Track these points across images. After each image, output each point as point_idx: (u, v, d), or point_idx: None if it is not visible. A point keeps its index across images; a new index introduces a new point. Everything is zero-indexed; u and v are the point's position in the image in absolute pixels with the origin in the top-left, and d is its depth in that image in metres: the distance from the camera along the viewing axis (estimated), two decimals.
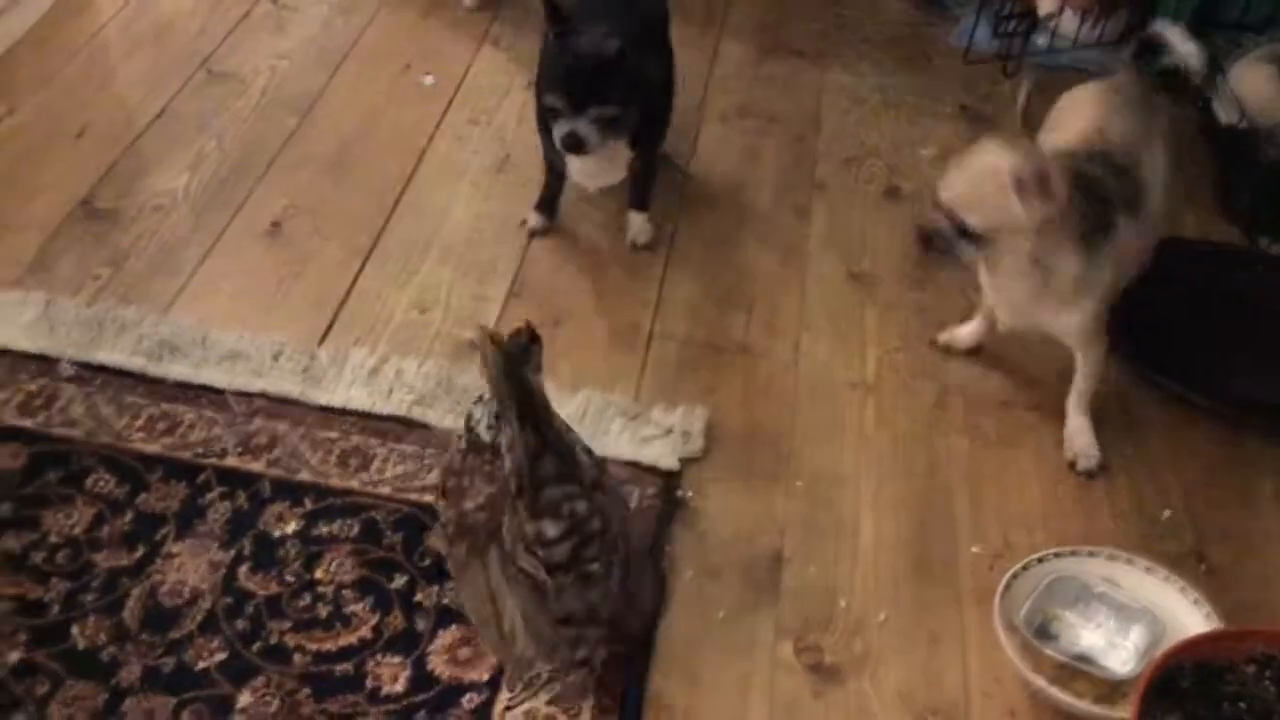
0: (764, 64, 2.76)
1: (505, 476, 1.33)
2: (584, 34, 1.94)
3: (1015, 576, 1.59)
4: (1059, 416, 1.89)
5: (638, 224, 2.22)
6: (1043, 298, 1.74)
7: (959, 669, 1.58)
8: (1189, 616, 1.56)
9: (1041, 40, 2.72)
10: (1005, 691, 1.55)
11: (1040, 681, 1.49)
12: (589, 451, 1.42)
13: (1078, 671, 1.50)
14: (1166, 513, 1.80)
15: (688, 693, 1.53)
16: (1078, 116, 1.86)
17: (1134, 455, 1.88)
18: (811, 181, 2.42)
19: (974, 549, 1.73)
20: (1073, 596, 1.58)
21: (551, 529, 1.33)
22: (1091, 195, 1.68)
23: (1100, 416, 1.89)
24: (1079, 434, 1.85)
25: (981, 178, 1.66)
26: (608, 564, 1.38)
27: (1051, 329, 1.82)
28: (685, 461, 1.80)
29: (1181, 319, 2.04)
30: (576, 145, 1.95)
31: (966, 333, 2.02)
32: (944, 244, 1.71)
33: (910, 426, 1.91)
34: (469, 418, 1.44)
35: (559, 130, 1.95)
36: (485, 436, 1.41)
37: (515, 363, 1.31)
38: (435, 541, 1.62)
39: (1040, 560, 1.62)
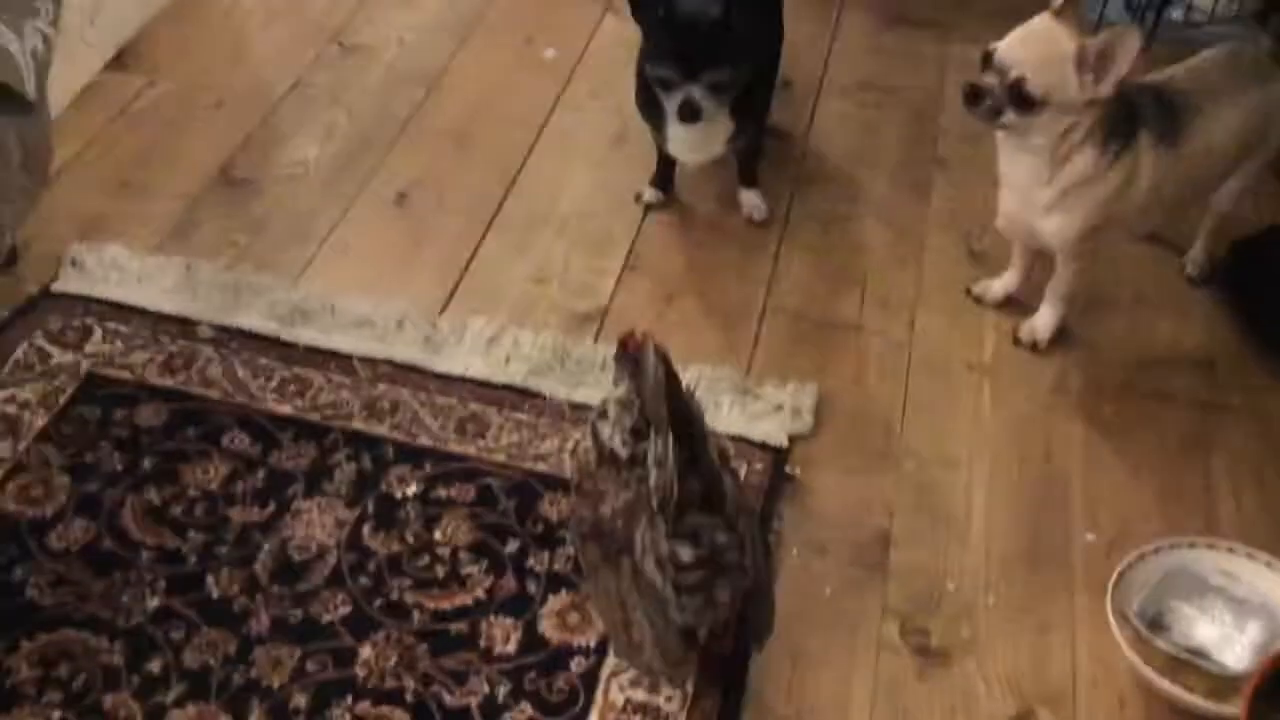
0: (885, 36, 2.73)
1: (647, 490, 1.32)
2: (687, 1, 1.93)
3: (1130, 566, 1.57)
4: (1182, 403, 1.86)
5: (752, 200, 2.23)
6: (1042, 194, 1.80)
7: (1068, 657, 1.57)
8: None
9: (1176, 14, 2.63)
10: (1115, 681, 1.54)
11: (1151, 673, 1.47)
12: (735, 475, 1.43)
13: (1189, 665, 1.48)
14: None
15: (791, 668, 1.55)
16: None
17: (1261, 447, 1.83)
18: (932, 158, 2.39)
19: (1089, 537, 1.71)
20: (1189, 588, 1.56)
21: (687, 554, 1.32)
22: (1122, 104, 1.73)
23: (1224, 404, 1.84)
24: (1043, 310, 1.96)
25: (1048, 42, 1.69)
26: (735, 594, 1.39)
27: (1041, 234, 1.87)
28: (794, 438, 1.82)
29: None
30: (693, 113, 1.95)
31: (1000, 285, 2.05)
32: (992, 104, 1.73)
33: (1027, 409, 1.90)
34: (595, 432, 1.42)
35: (672, 101, 1.95)
36: (622, 452, 1.38)
37: (677, 380, 1.31)
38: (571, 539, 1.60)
39: (1156, 551, 1.60)
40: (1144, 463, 1.81)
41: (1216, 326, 2.02)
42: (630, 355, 1.38)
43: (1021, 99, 1.70)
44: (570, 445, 1.73)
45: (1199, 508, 1.75)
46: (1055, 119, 1.72)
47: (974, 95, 1.75)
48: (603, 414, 1.42)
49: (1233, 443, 1.83)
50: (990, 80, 1.72)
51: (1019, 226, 1.92)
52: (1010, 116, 1.73)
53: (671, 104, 1.96)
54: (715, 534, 1.34)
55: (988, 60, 1.73)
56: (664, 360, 1.29)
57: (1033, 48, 1.70)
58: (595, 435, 1.42)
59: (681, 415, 1.29)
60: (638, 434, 1.37)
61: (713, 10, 1.91)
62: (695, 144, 2.10)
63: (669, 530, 1.32)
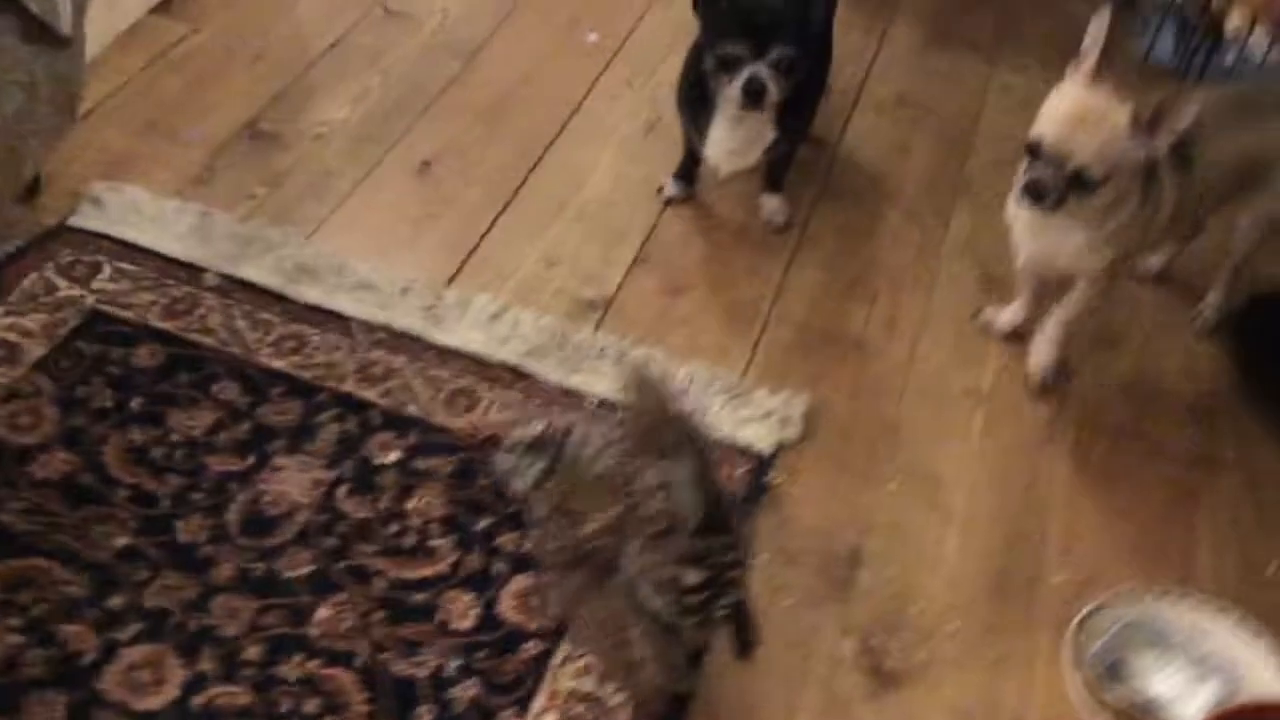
0: (931, 54, 2.71)
1: (640, 514, 1.32)
2: None
3: (1095, 610, 1.56)
4: (1174, 451, 1.84)
5: (773, 205, 2.22)
6: (1079, 242, 1.76)
7: (1020, 695, 1.55)
8: (1272, 677, 1.50)
9: (1227, 59, 2.58)
10: None
11: None
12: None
13: (1140, 718, 1.46)
14: (1274, 565, 1.72)
15: (742, 672, 1.54)
16: None
17: (1249, 504, 1.80)
18: (959, 181, 2.37)
19: (1060, 576, 1.69)
20: (1152, 640, 1.55)
21: (693, 577, 1.32)
22: None
23: (1217, 457, 1.82)
24: (1045, 347, 1.91)
25: (1099, 121, 1.62)
26: (732, 607, 1.39)
27: (1071, 269, 1.83)
28: (780, 446, 1.81)
29: None
30: (758, 92, 1.94)
31: (1007, 317, 2.02)
32: (1056, 195, 1.67)
33: (1017, 442, 1.88)
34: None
35: (739, 79, 1.94)
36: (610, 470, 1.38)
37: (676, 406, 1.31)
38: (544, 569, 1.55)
39: (1123, 597, 1.58)
40: (1127, 508, 1.79)
41: (1220, 378, 2.00)
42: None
43: (1084, 185, 1.64)
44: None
45: (1177, 559, 1.73)
46: (1114, 187, 1.67)
47: (1037, 193, 1.68)
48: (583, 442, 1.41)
49: (1220, 497, 1.80)
50: (1045, 173, 1.66)
51: (1043, 266, 1.89)
52: (1072, 203, 1.67)
53: (738, 82, 1.94)
54: (724, 554, 1.33)
55: (1036, 151, 1.66)
56: (662, 384, 1.30)
57: (1086, 132, 1.62)
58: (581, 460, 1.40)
59: (701, 448, 1.29)
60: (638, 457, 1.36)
61: None
62: (735, 149, 2.09)
63: (675, 555, 1.31)
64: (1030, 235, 1.84)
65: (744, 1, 1.94)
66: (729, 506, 1.35)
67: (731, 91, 1.96)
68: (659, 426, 1.31)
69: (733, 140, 2.07)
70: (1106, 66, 1.65)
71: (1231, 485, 1.83)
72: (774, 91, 1.95)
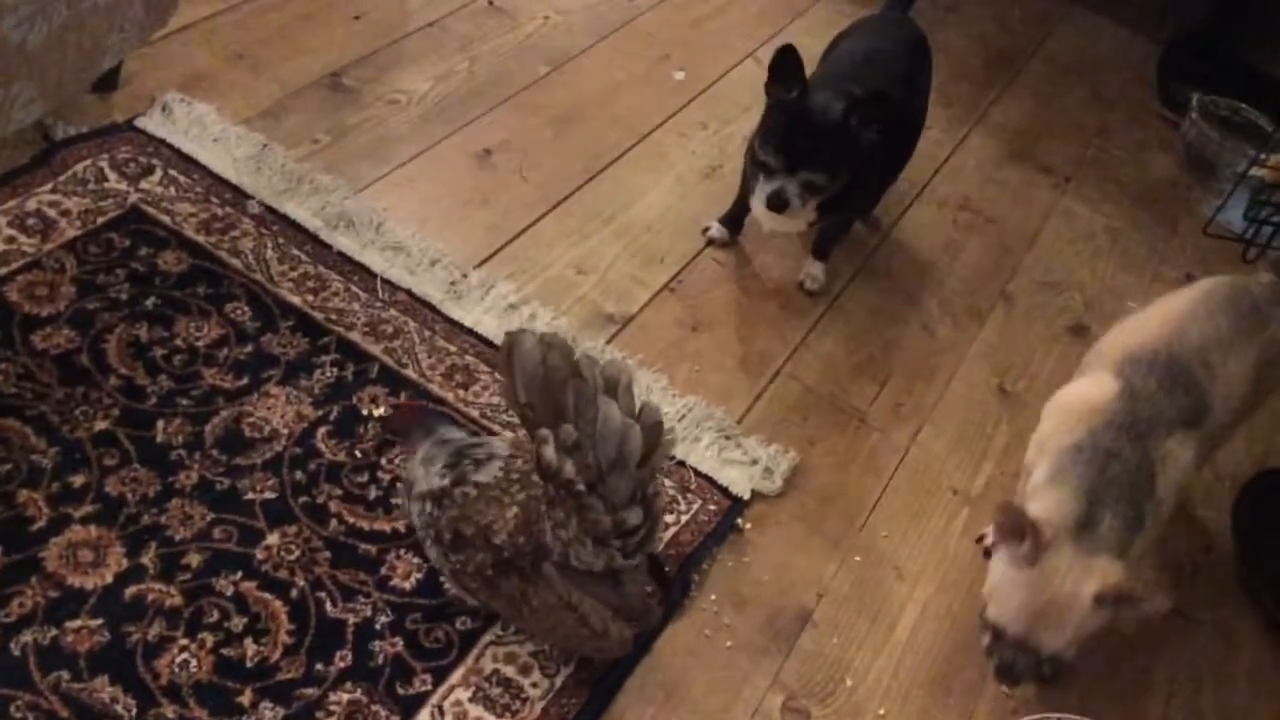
0: (1004, 167, 2.73)
1: (546, 489, 1.33)
2: (815, 94, 1.94)
3: None
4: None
5: (813, 270, 2.23)
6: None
7: None
8: None
9: None
10: None
11: None
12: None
13: None
14: None
15: (664, 700, 1.54)
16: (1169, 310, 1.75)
17: (1213, 667, 1.77)
18: (1000, 290, 2.38)
19: (1004, 689, 1.66)
20: None
21: (636, 516, 1.33)
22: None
23: (1191, 616, 1.79)
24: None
25: (1061, 612, 1.45)
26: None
27: None
28: (757, 495, 1.81)
29: None
30: (780, 205, 1.96)
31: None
32: (1032, 671, 1.50)
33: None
34: (422, 497, 1.43)
35: (765, 187, 1.96)
36: (442, 482, 1.41)
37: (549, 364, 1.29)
38: (457, 594, 1.53)
39: None
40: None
41: (1215, 542, 1.97)
42: (414, 423, 1.47)
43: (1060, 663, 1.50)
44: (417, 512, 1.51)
45: (1125, 699, 1.70)
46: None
47: (1011, 678, 1.52)
48: (409, 485, 1.45)
49: (1185, 653, 1.77)
50: (1017, 659, 1.50)
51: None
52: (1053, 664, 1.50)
53: (763, 190, 1.97)
54: (650, 484, 1.34)
55: (999, 635, 1.51)
56: (542, 345, 1.28)
57: (1050, 625, 1.46)
58: (420, 497, 1.43)
59: (556, 401, 1.28)
60: (451, 466, 1.41)
61: (834, 112, 1.92)
62: (776, 218, 2.10)
63: (607, 505, 1.31)
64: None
65: (791, 117, 1.94)
66: (637, 437, 1.31)
67: (760, 193, 1.98)
68: (558, 389, 1.28)
69: (777, 221, 2.08)
70: (1044, 539, 1.46)
71: (1200, 646, 1.80)
72: (797, 207, 1.96)
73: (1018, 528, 1.47)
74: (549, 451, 1.29)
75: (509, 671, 1.50)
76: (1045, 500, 1.52)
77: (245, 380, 1.73)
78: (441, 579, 1.54)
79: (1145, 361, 1.64)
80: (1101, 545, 1.48)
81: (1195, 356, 1.65)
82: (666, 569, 1.60)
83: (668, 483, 1.76)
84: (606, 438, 1.28)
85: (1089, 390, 1.65)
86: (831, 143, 1.93)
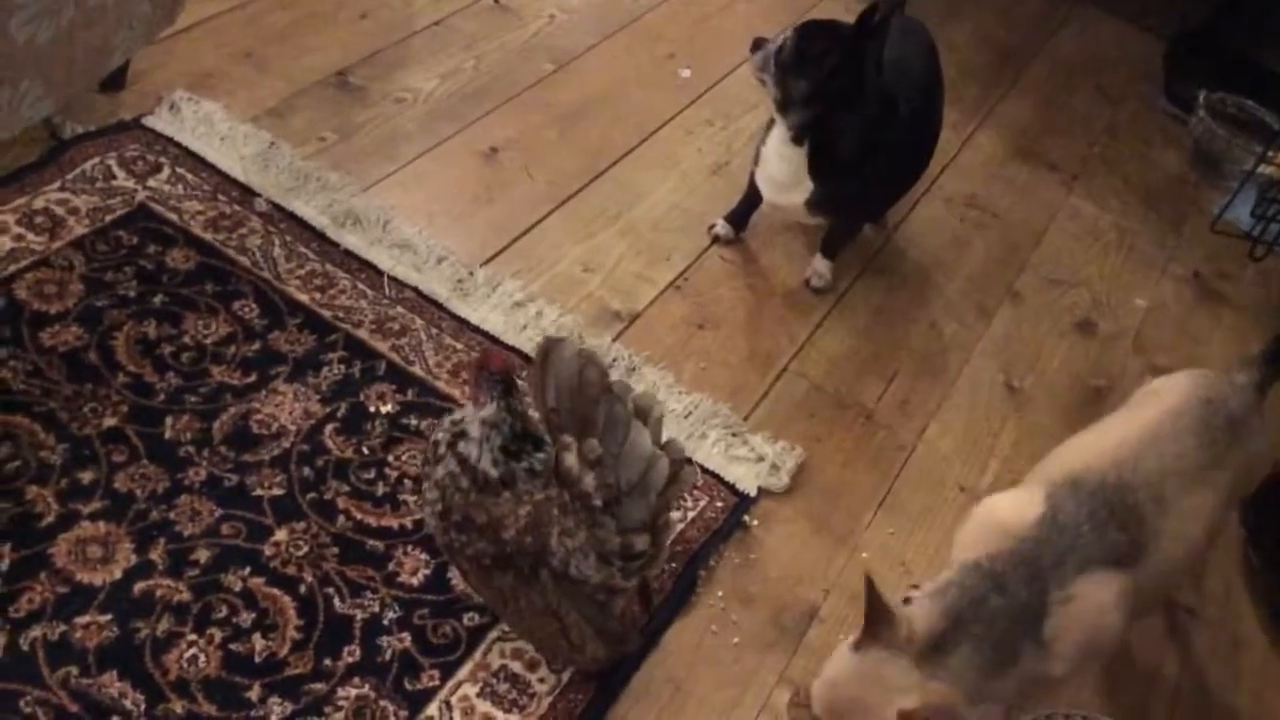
0: (1010, 164, 2.73)
1: (563, 497, 1.33)
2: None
3: None
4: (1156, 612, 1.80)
5: (819, 267, 2.23)
6: None
7: None
8: None
9: None
10: None
11: None
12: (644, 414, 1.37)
13: None
14: None
15: (670, 696, 1.54)
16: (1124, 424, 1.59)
17: (1215, 684, 1.77)
18: (1008, 287, 2.38)
19: None
20: None
21: (643, 542, 1.34)
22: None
23: (1195, 610, 1.79)
24: None
25: (863, 712, 1.35)
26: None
27: None
28: (764, 492, 1.81)
29: None
30: (764, 55, 2.00)
31: None
32: None
33: None
34: (462, 457, 1.39)
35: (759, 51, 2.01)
36: (492, 473, 1.38)
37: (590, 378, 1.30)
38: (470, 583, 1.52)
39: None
40: None
41: (1223, 539, 1.96)
42: (495, 375, 1.38)
43: None
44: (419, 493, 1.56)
45: (1131, 695, 1.70)
46: None
47: None
48: (460, 434, 1.40)
49: (1192, 650, 1.77)
50: None
51: None
52: None
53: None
54: (663, 515, 1.35)
55: (800, 704, 1.49)
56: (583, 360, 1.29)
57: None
58: (461, 460, 1.39)
59: (585, 414, 1.29)
60: (509, 452, 1.38)
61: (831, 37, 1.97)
62: (779, 180, 2.09)
63: (618, 526, 1.32)
64: None
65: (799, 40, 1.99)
66: (657, 467, 1.33)
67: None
68: (590, 404, 1.29)
69: (778, 169, 2.08)
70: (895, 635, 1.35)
71: (1205, 642, 1.79)
72: (774, 75, 1.99)
73: (880, 613, 1.35)
74: (570, 458, 1.30)
75: (516, 667, 1.50)
76: (920, 606, 1.39)
77: (253, 377, 1.73)
78: (449, 576, 1.55)
79: (1086, 488, 1.45)
80: (945, 673, 1.33)
81: (1146, 489, 1.45)
82: (654, 598, 1.61)
83: None
84: (632, 461, 1.30)
85: (1009, 509, 1.49)
86: (820, 53, 1.96)
